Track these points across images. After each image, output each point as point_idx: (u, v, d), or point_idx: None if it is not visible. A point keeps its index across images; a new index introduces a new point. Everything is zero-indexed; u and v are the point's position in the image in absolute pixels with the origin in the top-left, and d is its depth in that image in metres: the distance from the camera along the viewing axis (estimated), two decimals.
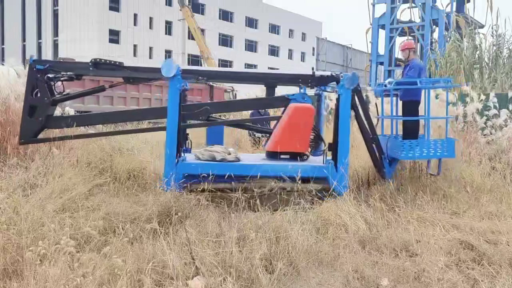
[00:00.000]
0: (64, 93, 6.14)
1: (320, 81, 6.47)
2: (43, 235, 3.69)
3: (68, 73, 5.98)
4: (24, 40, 53.75)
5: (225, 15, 57.09)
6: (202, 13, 52.82)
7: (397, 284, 3.73)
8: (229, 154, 6.08)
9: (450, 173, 6.74)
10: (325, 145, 6.47)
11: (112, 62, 5.95)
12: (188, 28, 37.72)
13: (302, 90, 6.71)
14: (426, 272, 3.81)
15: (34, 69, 5.75)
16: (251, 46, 60.17)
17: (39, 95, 5.78)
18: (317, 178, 5.99)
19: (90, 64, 5.87)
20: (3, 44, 56.14)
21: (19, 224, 3.79)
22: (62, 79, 6.01)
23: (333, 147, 6.20)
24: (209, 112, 6.29)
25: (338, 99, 6.20)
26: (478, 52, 15.95)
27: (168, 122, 5.83)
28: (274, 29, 63.29)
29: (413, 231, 4.65)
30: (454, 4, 24.81)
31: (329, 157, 6.33)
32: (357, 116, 6.35)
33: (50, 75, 5.91)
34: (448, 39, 18.80)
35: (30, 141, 5.97)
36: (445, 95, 7.15)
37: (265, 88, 6.71)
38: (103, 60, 5.91)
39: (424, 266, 3.90)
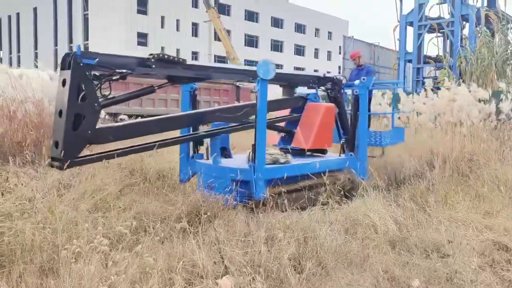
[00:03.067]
0: (110, 96, 4.59)
1: (324, 82, 6.81)
2: (77, 234, 3.79)
3: (123, 70, 4.58)
4: (56, 44, 55.31)
5: (251, 16, 57.27)
6: (228, 14, 53.15)
7: (429, 285, 3.67)
8: (282, 155, 6.05)
9: (483, 172, 6.58)
10: None
11: (177, 58, 4.94)
12: (214, 29, 38.01)
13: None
14: (458, 273, 3.74)
15: (81, 64, 4.17)
16: (276, 46, 60.14)
17: (86, 99, 4.25)
18: (337, 170, 6.44)
19: (152, 60, 4.72)
20: (36, 48, 57.90)
21: (54, 223, 3.90)
22: (114, 78, 4.57)
23: (351, 141, 6.79)
24: (249, 114, 5.87)
25: (356, 99, 6.79)
26: (510, 48, 15.50)
27: (259, 125, 5.42)
28: (299, 28, 63.09)
29: (444, 231, 4.56)
30: None
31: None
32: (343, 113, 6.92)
33: (96, 73, 4.41)
34: (479, 35, 18.33)
35: (75, 163, 4.41)
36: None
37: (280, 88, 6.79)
38: (166, 56, 4.84)
39: (456, 267, 3.82)
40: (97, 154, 4.74)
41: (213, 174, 5.62)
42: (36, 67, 9.07)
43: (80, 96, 4.21)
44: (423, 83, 22.64)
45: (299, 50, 62.59)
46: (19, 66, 48.59)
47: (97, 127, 4.51)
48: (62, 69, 4.24)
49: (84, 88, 4.22)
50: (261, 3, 57.49)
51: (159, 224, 4.22)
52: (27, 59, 53.48)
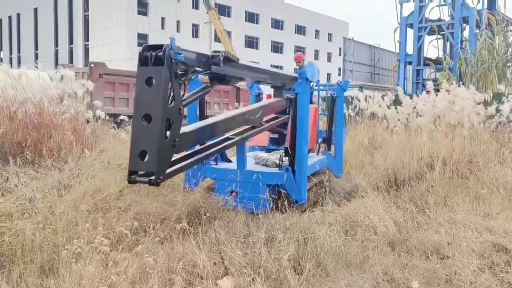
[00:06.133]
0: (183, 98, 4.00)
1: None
2: (77, 234, 3.80)
3: (199, 69, 4.18)
4: (56, 45, 55.35)
5: (251, 17, 57.32)
6: (228, 16, 53.21)
7: (428, 286, 3.67)
8: None
9: (482, 174, 6.58)
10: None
11: (235, 57, 4.61)
12: (215, 30, 38.04)
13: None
14: (458, 275, 3.74)
15: (174, 60, 3.57)
16: (276, 47, 60.20)
17: (173, 102, 3.63)
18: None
19: (221, 58, 4.29)
20: (36, 49, 57.91)
21: (54, 224, 3.90)
22: (193, 77, 4.20)
23: (328, 141, 7.13)
24: (263, 116, 5.55)
25: (333, 100, 7.13)
26: (511, 50, 15.51)
27: (301, 127, 5.50)
28: (300, 30, 63.16)
29: (444, 233, 4.56)
30: (485, 1, 24.19)
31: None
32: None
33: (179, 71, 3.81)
34: (479, 37, 18.36)
35: (168, 175, 3.79)
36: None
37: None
38: (230, 56, 4.48)
39: (455, 268, 3.82)
40: (182, 160, 4.11)
41: (238, 180, 5.41)
42: (36, 68, 9.04)
43: (170, 98, 3.58)
44: (423, 85, 22.68)
45: (299, 52, 62.64)
46: (20, 66, 48.58)
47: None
48: (142, 64, 3.55)
49: (173, 88, 3.60)
50: (262, 5, 57.53)
51: (159, 225, 4.22)
52: (28, 60, 53.47)
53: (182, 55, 3.64)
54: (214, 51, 4.35)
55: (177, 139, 3.66)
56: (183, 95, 3.83)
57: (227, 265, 3.60)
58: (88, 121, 7.82)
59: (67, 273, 3.10)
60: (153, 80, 3.48)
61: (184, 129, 3.98)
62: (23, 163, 5.90)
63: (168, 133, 3.53)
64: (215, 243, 3.97)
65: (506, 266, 4.02)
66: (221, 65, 4.29)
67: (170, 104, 3.55)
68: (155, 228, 4.05)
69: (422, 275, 3.82)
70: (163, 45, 3.51)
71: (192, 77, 4.09)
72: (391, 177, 6.77)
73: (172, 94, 3.56)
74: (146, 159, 3.41)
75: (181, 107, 3.70)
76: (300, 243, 4.05)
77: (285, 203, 5.05)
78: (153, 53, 3.50)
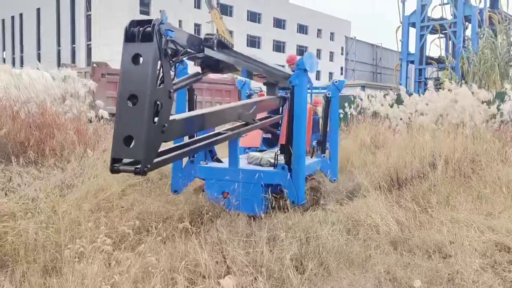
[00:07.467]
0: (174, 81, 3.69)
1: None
2: (80, 233, 3.81)
3: (189, 50, 3.72)
4: (59, 45, 55.44)
5: (253, 16, 57.28)
6: (230, 15, 53.17)
7: (430, 286, 3.67)
8: None
9: (485, 173, 6.57)
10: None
11: (230, 43, 4.27)
12: (217, 30, 38.06)
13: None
14: (460, 274, 3.73)
15: (164, 36, 3.20)
16: (279, 46, 60.13)
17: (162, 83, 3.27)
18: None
19: (214, 41, 3.98)
20: (39, 49, 58.02)
21: (57, 223, 3.92)
22: (185, 58, 3.79)
23: (323, 143, 6.93)
24: (256, 112, 5.29)
25: (327, 101, 6.93)
26: None
27: (298, 122, 5.25)
28: (302, 29, 63.08)
29: (446, 232, 4.56)
30: None
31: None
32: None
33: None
34: (482, 36, 18.32)
35: (156, 165, 3.40)
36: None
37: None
38: (224, 40, 4.13)
39: (458, 268, 3.82)
40: (170, 151, 3.84)
41: (235, 180, 5.19)
42: (38, 69, 9.06)
43: (159, 79, 3.22)
44: (425, 84, 22.66)
45: (302, 51, 62.49)
46: (22, 66, 48.69)
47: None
48: (128, 41, 3.18)
49: (163, 68, 3.24)
50: (264, 4, 57.52)
51: (161, 224, 4.24)
52: (30, 60, 53.59)
53: (173, 32, 3.30)
54: (207, 34, 4.04)
55: (166, 125, 3.29)
56: (173, 79, 3.49)
57: (229, 264, 3.61)
58: (90, 121, 7.84)
59: (70, 273, 3.11)
60: (141, 58, 3.15)
61: (174, 117, 3.70)
62: (26, 163, 5.92)
63: (156, 119, 3.20)
64: (217, 242, 3.98)
65: (508, 265, 4.01)
66: (215, 48, 3.96)
67: (159, 85, 3.20)
68: (157, 228, 4.06)
69: (424, 274, 3.82)
70: (152, 19, 3.14)
71: (184, 59, 3.71)
72: (393, 176, 6.76)
73: (161, 75, 3.20)
74: (131, 145, 3.06)
75: (171, 90, 3.34)
76: (302, 242, 4.05)
77: (287, 202, 5.05)
78: (141, 29, 3.14)
